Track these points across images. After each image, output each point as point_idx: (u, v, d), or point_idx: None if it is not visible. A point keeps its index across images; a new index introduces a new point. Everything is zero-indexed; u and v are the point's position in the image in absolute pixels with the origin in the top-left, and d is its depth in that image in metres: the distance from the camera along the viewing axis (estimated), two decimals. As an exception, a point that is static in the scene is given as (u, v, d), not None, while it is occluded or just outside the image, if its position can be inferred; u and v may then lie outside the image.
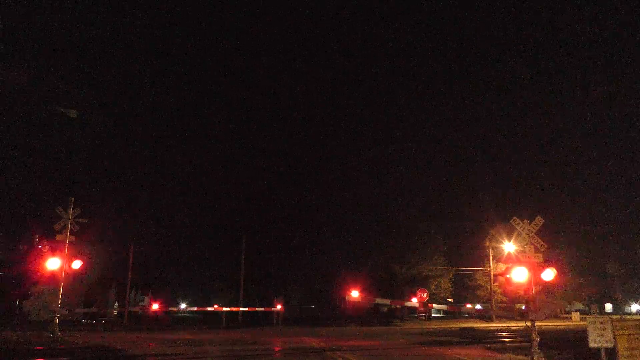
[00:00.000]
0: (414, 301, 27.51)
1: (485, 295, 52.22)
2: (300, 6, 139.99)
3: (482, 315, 45.97)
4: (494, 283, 47.20)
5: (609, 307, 67.70)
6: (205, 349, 17.25)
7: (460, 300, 57.04)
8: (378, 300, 30.27)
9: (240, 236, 43.19)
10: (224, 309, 36.63)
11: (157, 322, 41.62)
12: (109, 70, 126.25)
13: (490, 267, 46.67)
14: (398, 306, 49.19)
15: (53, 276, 18.78)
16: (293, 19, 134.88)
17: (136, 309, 45.80)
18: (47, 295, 18.47)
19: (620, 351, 10.89)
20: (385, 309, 51.10)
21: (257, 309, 38.16)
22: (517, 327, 30.55)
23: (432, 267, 46.86)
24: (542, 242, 13.28)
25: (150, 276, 70.26)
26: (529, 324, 12.83)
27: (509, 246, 39.72)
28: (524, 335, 21.08)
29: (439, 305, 29.14)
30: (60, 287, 18.65)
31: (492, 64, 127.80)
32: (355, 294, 16.62)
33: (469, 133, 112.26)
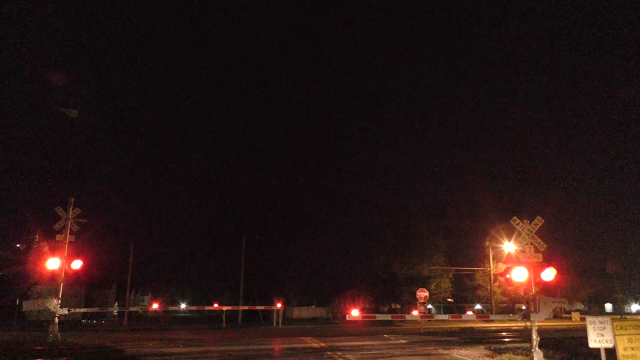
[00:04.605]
0: (415, 314, 27.43)
1: (485, 295, 52.23)
2: (303, 8, 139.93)
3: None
4: (494, 283, 47.19)
5: (609, 307, 67.69)
6: (205, 349, 17.24)
7: (460, 300, 57.07)
8: (379, 317, 30.26)
9: (240, 236, 43.18)
10: (224, 308, 36.69)
11: (157, 322, 41.62)
12: (109, 70, 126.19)
13: (490, 267, 46.67)
14: (398, 306, 49.22)
15: (53, 276, 18.77)
16: (293, 19, 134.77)
17: (136, 308, 45.74)
18: (47, 295, 18.46)
19: (620, 351, 10.89)
20: (386, 309, 51.10)
21: (257, 307, 38.10)
22: (517, 327, 30.53)
23: (432, 267, 46.83)
24: (542, 242, 13.27)
25: (150, 276, 70.28)
26: (529, 324, 12.82)
27: (509, 246, 39.71)
28: (524, 335, 21.08)
29: (442, 316, 29.06)
30: (60, 287, 18.64)
31: (491, 65, 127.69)
32: (355, 312, 16.53)
33: (469, 133, 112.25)
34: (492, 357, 14.46)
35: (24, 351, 15.77)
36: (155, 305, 35.13)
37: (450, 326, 32.51)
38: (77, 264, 19.00)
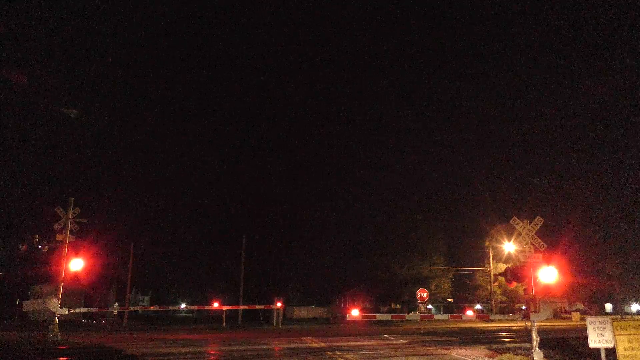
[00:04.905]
0: (414, 314, 27.47)
1: (485, 295, 52.23)
2: (303, 8, 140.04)
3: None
4: (494, 283, 47.19)
5: (609, 307, 67.72)
6: (205, 349, 17.25)
7: (460, 300, 57.08)
8: (379, 317, 30.33)
9: (240, 236, 43.16)
10: (224, 307, 36.72)
11: (157, 322, 41.61)
12: (109, 70, 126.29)
13: (490, 267, 46.68)
14: (398, 306, 49.21)
15: (53, 276, 18.78)
16: (293, 19, 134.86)
17: (136, 308, 45.71)
18: (46, 295, 18.46)
19: (620, 351, 10.89)
20: (386, 309, 51.09)
21: (257, 307, 38.13)
22: (517, 327, 30.54)
23: (432, 267, 46.81)
24: (542, 242, 13.27)
25: (150, 276, 70.25)
26: (529, 324, 12.82)
27: (509, 246, 39.72)
28: (524, 335, 21.08)
29: (442, 316, 29.08)
30: (60, 287, 18.64)
31: (491, 66, 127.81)
32: (355, 312, 16.58)
33: (470, 134, 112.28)
34: (493, 357, 14.46)
35: (24, 351, 15.76)
36: (154, 305, 35.09)
37: (450, 326, 32.51)
38: (77, 264, 19.01)
